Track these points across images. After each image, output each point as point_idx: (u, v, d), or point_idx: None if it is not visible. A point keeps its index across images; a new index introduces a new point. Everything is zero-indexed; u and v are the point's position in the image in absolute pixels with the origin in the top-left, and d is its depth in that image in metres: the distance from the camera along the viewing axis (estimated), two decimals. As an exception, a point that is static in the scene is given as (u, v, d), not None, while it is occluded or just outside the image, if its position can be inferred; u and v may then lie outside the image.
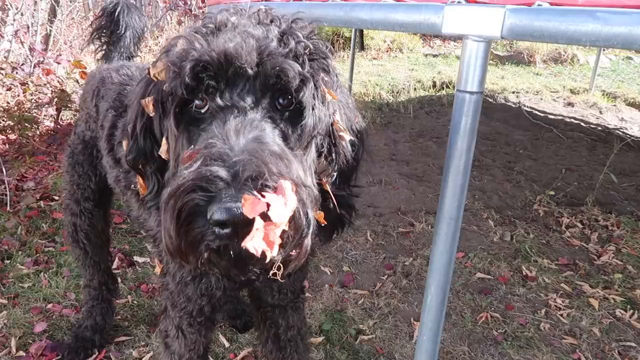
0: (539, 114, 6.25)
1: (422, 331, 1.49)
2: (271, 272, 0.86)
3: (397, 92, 6.91)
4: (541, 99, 6.90)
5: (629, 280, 2.85)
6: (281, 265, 0.84)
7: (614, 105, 6.62)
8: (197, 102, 0.90)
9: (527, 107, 6.49)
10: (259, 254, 0.73)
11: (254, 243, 0.71)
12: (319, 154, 0.99)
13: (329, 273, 2.87)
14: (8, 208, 3.04)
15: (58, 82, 3.70)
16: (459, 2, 1.23)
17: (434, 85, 7.24)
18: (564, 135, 5.48)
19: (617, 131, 5.74)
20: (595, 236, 3.34)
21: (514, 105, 6.55)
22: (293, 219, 0.76)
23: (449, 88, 7.08)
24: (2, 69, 3.47)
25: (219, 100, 0.88)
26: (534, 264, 3.00)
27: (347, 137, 1.01)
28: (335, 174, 1.02)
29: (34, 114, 3.68)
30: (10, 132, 3.39)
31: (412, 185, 4.09)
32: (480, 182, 4.19)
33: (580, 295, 2.71)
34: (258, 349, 2.20)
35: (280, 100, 0.92)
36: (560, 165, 4.62)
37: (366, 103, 6.33)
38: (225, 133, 0.82)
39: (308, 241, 0.82)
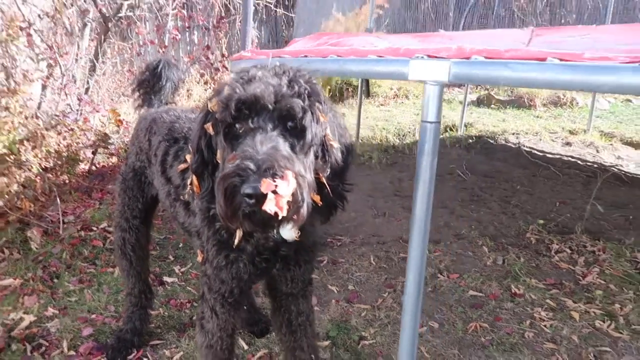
0: (537, 153, 6.62)
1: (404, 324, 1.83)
2: (295, 234, 1.30)
3: (403, 135, 7.37)
4: (540, 139, 7.29)
5: (609, 296, 3.13)
6: (295, 229, 1.28)
7: (611, 144, 6.95)
8: (237, 125, 1.36)
9: (527, 147, 6.88)
10: (272, 213, 1.16)
11: (268, 206, 1.15)
12: (316, 157, 1.43)
13: (335, 291, 3.21)
14: (61, 232, 3.49)
15: (101, 126, 4.25)
16: (421, 57, 1.67)
17: (438, 129, 7.69)
18: (560, 172, 5.82)
19: (613, 168, 6.06)
20: (582, 260, 3.63)
21: (513, 146, 6.94)
22: (293, 195, 1.20)
23: (452, 130, 7.53)
24: (57, 115, 4.04)
25: (250, 124, 1.33)
26: (522, 283, 3.30)
27: (336, 144, 1.46)
28: (328, 170, 1.46)
29: (77, 156, 4.21)
30: (59, 171, 3.91)
31: (414, 217, 4.45)
32: (478, 214, 4.54)
33: (563, 309, 3.00)
34: (275, 340, 2.53)
35: (289, 124, 1.36)
36: (555, 199, 4.94)
37: (373, 145, 6.80)
38: (254, 144, 1.27)
39: (303, 210, 1.25)
